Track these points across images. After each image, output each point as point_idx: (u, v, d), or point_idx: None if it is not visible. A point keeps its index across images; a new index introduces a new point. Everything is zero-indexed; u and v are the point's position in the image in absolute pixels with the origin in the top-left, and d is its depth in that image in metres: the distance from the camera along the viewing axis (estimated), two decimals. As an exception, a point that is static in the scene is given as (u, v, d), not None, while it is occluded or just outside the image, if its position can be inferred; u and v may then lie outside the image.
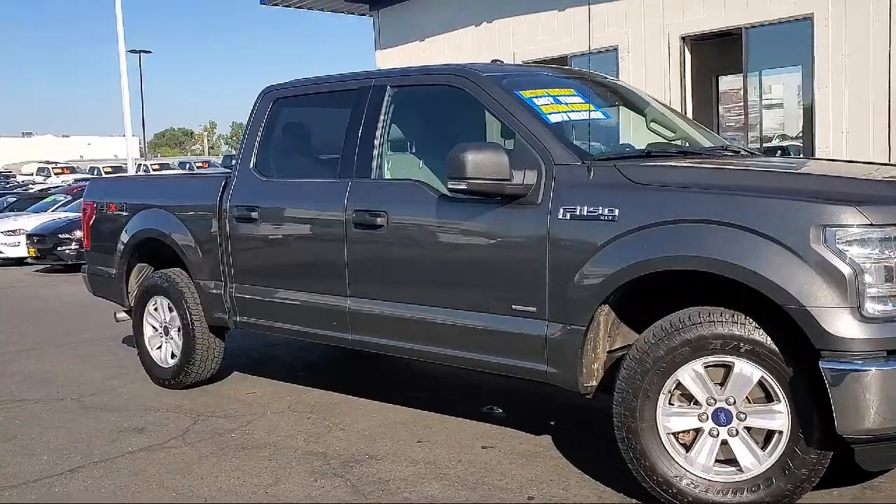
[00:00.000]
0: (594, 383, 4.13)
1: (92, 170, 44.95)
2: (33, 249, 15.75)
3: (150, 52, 54.98)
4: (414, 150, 5.30)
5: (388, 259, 4.80)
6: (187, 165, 45.87)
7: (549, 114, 4.38)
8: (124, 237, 6.52)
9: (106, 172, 43.02)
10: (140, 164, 40.65)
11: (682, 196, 3.74)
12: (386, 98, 5.01)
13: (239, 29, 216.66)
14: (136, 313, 6.55)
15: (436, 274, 4.56)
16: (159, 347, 6.48)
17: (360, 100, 5.13)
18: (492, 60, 5.05)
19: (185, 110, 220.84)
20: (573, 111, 4.52)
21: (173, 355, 6.35)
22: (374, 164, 4.96)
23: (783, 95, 10.05)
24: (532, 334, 4.17)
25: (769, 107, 10.01)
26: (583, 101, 4.68)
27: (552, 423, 5.20)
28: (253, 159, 5.69)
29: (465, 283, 4.43)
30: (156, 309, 6.44)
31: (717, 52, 11.54)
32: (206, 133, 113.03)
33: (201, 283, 5.96)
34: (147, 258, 6.68)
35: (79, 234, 15.39)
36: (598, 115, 4.70)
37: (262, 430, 5.29)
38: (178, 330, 6.23)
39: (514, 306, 4.24)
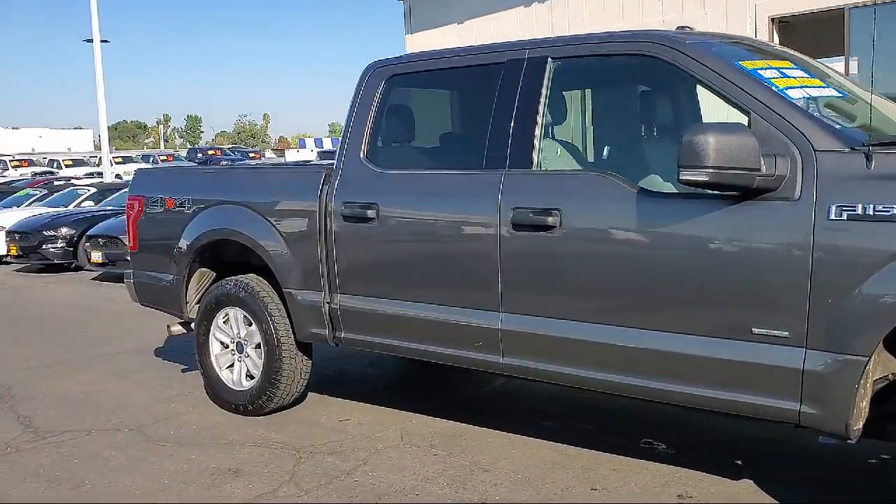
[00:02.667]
0: (861, 425, 3.31)
1: (51, 162, 43.10)
2: (14, 247, 14.52)
3: (107, 41, 53.18)
4: (589, 135, 4.43)
5: (564, 268, 3.93)
6: (150, 159, 44.16)
7: (786, 89, 3.56)
8: (187, 238, 5.55)
9: (66, 165, 41.39)
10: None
11: None
12: (547, 72, 4.15)
13: (193, 17, 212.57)
14: (201, 327, 5.59)
15: (639, 288, 3.70)
16: (230, 367, 5.54)
17: (510, 75, 4.25)
18: (678, 28, 4.23)
19: (136, 102, 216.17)
20: (806, 87, 3.70)
21: (250, 376, 5.41)
22: (536, 151, 4.09)
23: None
24: (782, 365, 3.35)
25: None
26: (806, 76, 3.86)
27: (738, 462, 4.38)
28: (363, 148, 4.77)
29: (683, 300, 3.59)
30: (226, 322, 5.50)
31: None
32: (160, 126, 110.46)
33: (293, 292, 5.03)
34: (209, 263, 5.73)
35: (65, 231, 14.30)
36: (830, 91, 3.90)
37: (387, 471, 4.40)
38: (258, 347, 5.30)
39: (755, 329, 3.41)
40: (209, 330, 5.56)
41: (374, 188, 4.66)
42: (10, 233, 14.73)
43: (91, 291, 11.96)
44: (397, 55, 4.89)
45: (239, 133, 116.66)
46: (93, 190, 17.77)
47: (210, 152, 47.17)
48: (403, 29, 13.06)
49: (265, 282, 5.30)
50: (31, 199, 18.71)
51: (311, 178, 4.95)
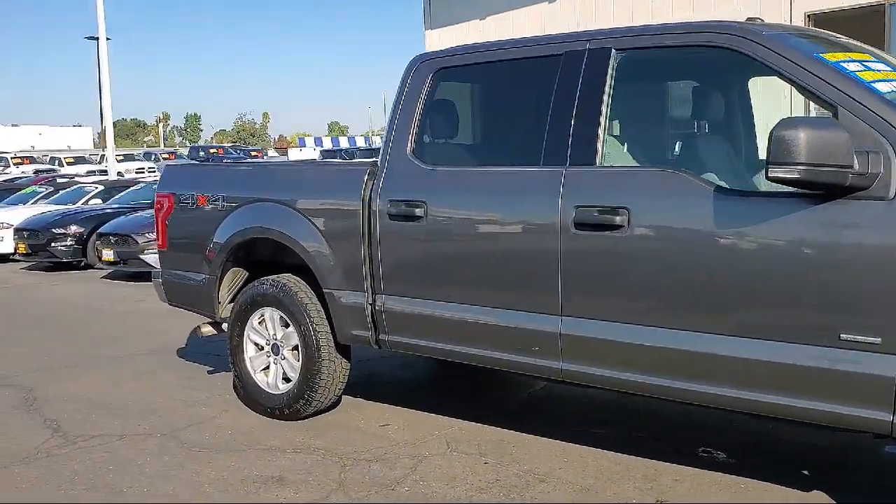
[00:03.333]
0: (956, 437, 3.14)
1: (52, 160, 42.86)
2: (23, 245, 14.29)
3: (109, 38, 52.91)
4: (654, 130, 4.25)
5: (631, 269, 3.75)
6: (153, 157, 43.87)
7: (873, 82, 3.38)
8: (221, 236, 5.36)
9: (68, 163, 41.14)
10: (103, 156, 38.64)
11: None
12: (611, 64, 3.97)
13: (193, 16, 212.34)
14: (235, 328, 5.41)
15: (717, 291, 3.52)
16: (265, 369, 5.35)
17: (569, 68, 4.08)
18: (747, 18, 4.05)
19: (135, 100, 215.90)
20: (893, 80, 3.53)
21: (286, 379, 5.23)
22: (599, 147, 3.91)
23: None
24: (872, 373, 3.17)
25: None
26: (889, 69, 3.68)
27: (805, 472, 4.21)
28: (410, 144, 4.59)
29: (765, 303, 3.41)
30: (261, 323, 5.32)
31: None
32: (160, 124, 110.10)
33: (334, 292, 4.85)
34: (242, 262, 5.55)
35: (74, 229, 14.11)
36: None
37: (438, 481, 4.22)
38: (295, 349, 5.12)
39: (843, 336, 3.23)
40: (243, 331, 5.38)
41: (423, 186, 4.48)
42: (18, 230, 14.50)
43: (102, 290, 11.77)
44: (446, 48, 4.70)
45: (239, 132, 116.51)
46: (100, 188, 17.55)
47: (213, 151, 46.89)
48: (423, 25, 12.84)
49: (303, 282, 5.12)
50: (38, 197, 18.47)
51: (354, 175, 4.77)
